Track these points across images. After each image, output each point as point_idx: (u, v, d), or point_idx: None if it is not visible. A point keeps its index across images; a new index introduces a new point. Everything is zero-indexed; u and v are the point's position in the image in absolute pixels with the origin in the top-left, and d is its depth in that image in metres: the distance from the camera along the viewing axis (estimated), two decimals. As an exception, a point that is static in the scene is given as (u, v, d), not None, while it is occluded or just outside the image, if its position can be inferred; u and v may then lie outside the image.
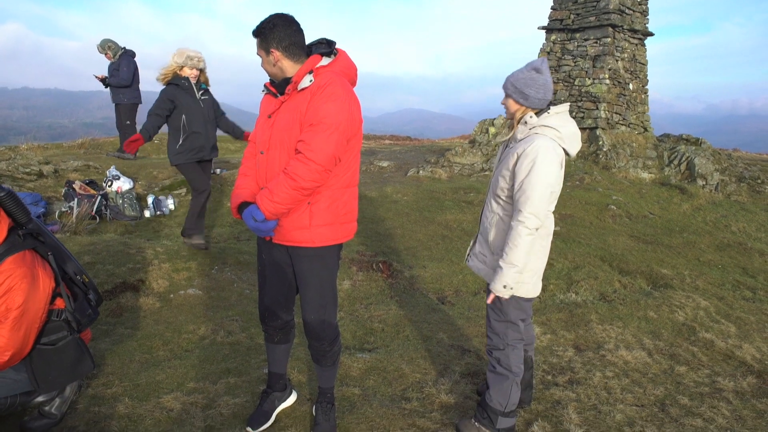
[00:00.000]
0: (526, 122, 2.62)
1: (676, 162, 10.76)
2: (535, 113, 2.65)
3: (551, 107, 2.64)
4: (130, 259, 4.77)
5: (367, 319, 4.43)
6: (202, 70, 4.96)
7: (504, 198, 2.69)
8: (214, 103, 5.12)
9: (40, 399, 2.61)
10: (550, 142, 2.55)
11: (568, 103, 2.78)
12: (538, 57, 12.14)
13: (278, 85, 2.50)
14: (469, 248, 3.03)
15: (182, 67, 4.84)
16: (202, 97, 4.97)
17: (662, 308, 4.86)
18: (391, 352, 3.86)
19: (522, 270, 2.57)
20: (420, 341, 4.05)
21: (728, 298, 5.49)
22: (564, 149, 2.64)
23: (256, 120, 2.67)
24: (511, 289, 2.58)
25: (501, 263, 2.58)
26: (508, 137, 2.77)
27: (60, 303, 2.64)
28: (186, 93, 4.87)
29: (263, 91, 2.60)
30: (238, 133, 5.23)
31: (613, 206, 8.71)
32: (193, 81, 4.91)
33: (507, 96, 2.69)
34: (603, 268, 6.04)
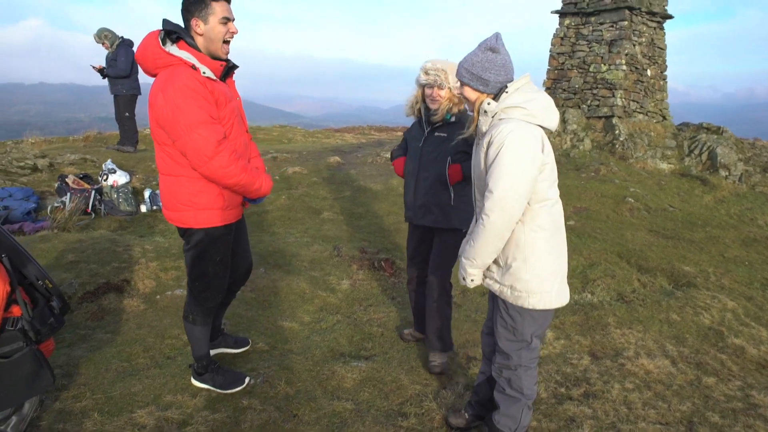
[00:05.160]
0: (485, 111, 2.27)
1: (696, 152, 10.29)
2: (492, 97, 2.29)
3: (508, 85, 2.27)
4: (116, 257, 4.51)
5: (366, 322, 4.13)
6: (439, 88, 3.14)
7: None
8: (452, 145, 3.16)
9: None
10: (519, 124, 2.18)
11: (528, 74, 2.36)
12: (551, 42, 11.70)
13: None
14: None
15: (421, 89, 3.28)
16: (437, 134, 3.25)
17: (686, 310, 4.49)
18: (389, 360, 3.55)
19: (479, 265, 2.36)
20: (422, 347, 3.74)
21: (757, 298, 5.09)
22: (540, 125, 2.26)
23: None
24: (472, 281, 2.43)
25: (462, 254, 2.45)
26: (469, 132, 2.44)
27: (16, 310, 2.39)
28: (416, 126, 3.43)
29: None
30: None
31: (630, 199, 8.29)
32: (434, 105, 3.19)
33: (463, 84, 2.33)
34: (621, 266, 5.67)
